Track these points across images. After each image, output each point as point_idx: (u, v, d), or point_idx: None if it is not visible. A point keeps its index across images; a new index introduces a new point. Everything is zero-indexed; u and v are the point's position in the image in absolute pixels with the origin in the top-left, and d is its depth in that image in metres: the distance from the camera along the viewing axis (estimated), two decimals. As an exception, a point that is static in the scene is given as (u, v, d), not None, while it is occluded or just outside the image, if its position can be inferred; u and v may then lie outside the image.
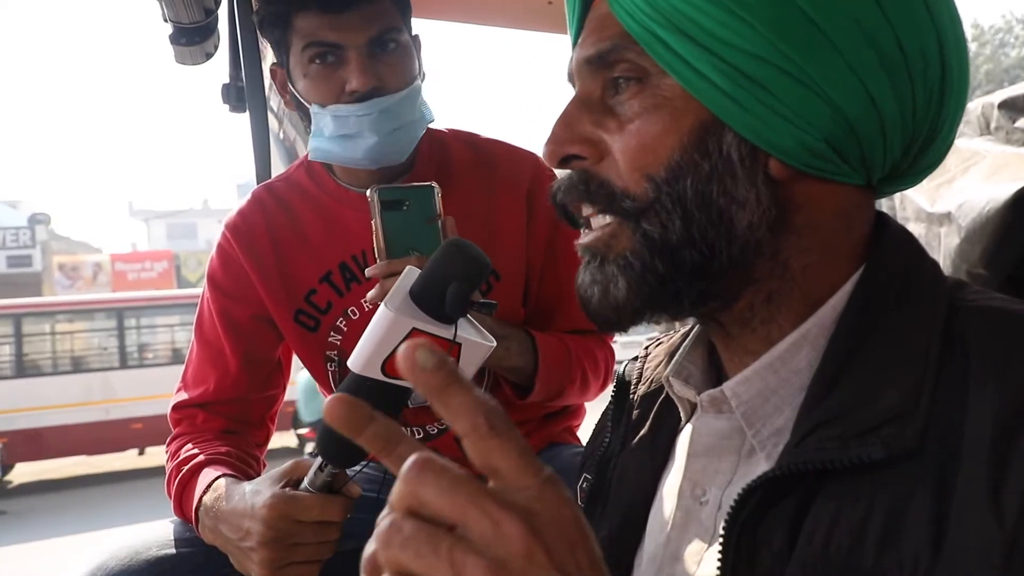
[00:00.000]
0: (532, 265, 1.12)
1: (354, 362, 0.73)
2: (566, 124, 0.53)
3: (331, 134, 1.00)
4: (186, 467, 1.02)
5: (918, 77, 0.48)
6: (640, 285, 0.51)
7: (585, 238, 0.55)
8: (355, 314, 1.11)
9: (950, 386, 0.44)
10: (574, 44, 0.56)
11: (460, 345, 0.73)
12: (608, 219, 0.52)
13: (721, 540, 0.47)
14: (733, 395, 0.52)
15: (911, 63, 0.47)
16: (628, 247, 0.51)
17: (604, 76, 0.53)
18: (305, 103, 1.02)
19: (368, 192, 0.95)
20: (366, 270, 0.97)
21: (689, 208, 0.49)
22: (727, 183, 0.49)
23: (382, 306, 0.71)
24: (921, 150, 0.51)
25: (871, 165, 0.50)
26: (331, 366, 1.13)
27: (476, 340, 0.74)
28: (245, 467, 1.06)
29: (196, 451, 1.05)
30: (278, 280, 1.10)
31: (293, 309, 1.11)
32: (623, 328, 0.55)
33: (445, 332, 0.72)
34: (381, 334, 0.71)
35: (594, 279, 0.53)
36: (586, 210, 0.54)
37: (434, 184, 0.97)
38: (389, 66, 1.00)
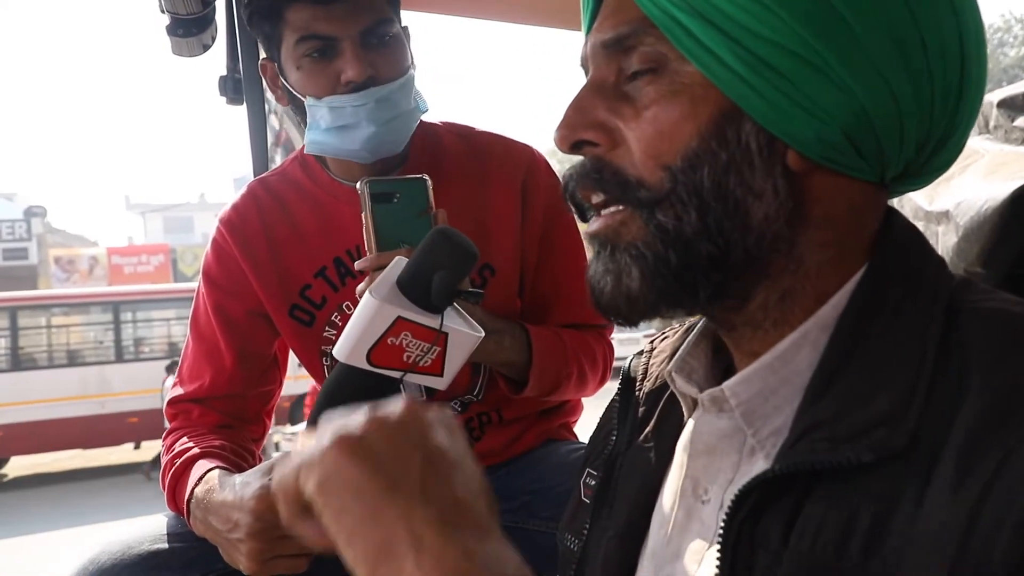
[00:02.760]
0: (527, 258, 1.12)
1: (339, 351, 0.72)
2: (579, 109, 0.52)
3: (327, 126, 1.00)
4: (180, 460, 1.02)
5: (938, 73, 0.47)
6: (654, 277, 0.50)
7: (593, 225, 0.53)
8: (350, 309, 1.10)
9: (944, 392, 0.43)
10: (588, 29, 0.55)
11: (447, 335, 0.72)
12: (619, 207, 0.51)
13: (719, 540, 0.47)
14: (732, 395, 0.51)
15: (932, 59, 0.47)
16: (640, 237, 0.50)
17: (620, 61, 0.51)
18: (299, 96, 1.02)
19: (358, 185, 0.94)
20: (356, 263, 0.96)
21: (705, 199, 0.48)
22: (744, 173, 0.48)
23: (367, 294, 0.70)
24: (935, 149, 0.51)
25: (886, 161, 0.49)
26: (326, 360, 1.13)
27: (463, 330, 0.73)
28: (240, 461, 1.06)
29: (191, 444, 1.05)
30: (273, 275, 1.10)
31: (288, 304, 1.10)
32: (634, 322, 0.53)
33: (431, 321, 0.71)
34: (366, 322, 0.70)
35: (607, 268, 0.51)
36: (596, 198, 0.53)
37: (425, 177, 0.96)
38: (383, 56, 1.00)
